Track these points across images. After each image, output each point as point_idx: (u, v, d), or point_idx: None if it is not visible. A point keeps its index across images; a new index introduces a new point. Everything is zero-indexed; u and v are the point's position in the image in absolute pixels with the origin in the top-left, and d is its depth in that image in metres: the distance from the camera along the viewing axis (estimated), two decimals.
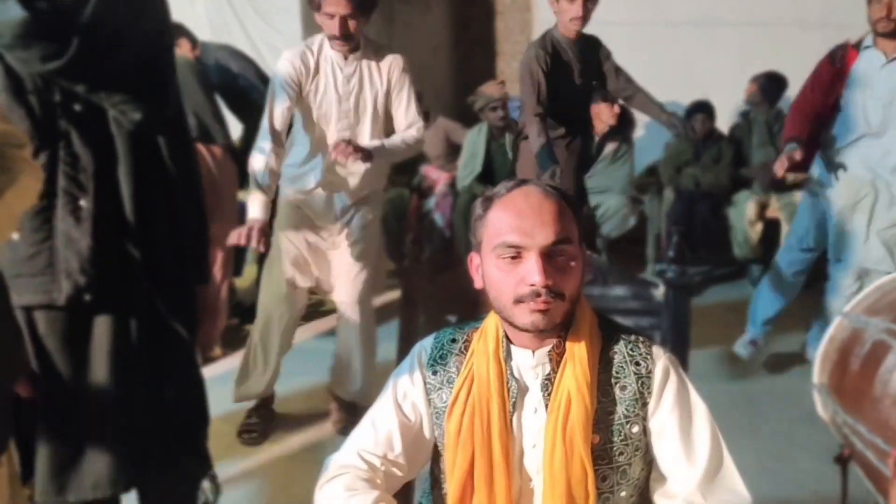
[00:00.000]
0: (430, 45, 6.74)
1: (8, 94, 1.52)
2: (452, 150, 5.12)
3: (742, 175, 4.73)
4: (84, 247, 1.56)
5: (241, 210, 3.15)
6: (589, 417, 1.19)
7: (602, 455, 1.21)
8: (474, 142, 4.66)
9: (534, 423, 1.24)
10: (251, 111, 3.30)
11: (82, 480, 1.59)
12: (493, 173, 4.52)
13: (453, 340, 1.32)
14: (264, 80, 3.65)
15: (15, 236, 1.53)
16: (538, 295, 1.16)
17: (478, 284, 1.26)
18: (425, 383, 1.30)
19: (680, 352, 1.49)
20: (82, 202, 1.56)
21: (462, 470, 1.23)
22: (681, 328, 1.44)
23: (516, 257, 1.18)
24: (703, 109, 4.75)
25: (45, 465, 1.59)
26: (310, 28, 3.16)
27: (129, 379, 1.63)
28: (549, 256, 1.18)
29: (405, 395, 1.31)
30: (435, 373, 1.30)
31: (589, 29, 2.96)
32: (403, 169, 5.35)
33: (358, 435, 1.32)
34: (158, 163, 1.66)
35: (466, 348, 1.30)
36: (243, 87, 3.78)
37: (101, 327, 1.61)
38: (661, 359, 1.25)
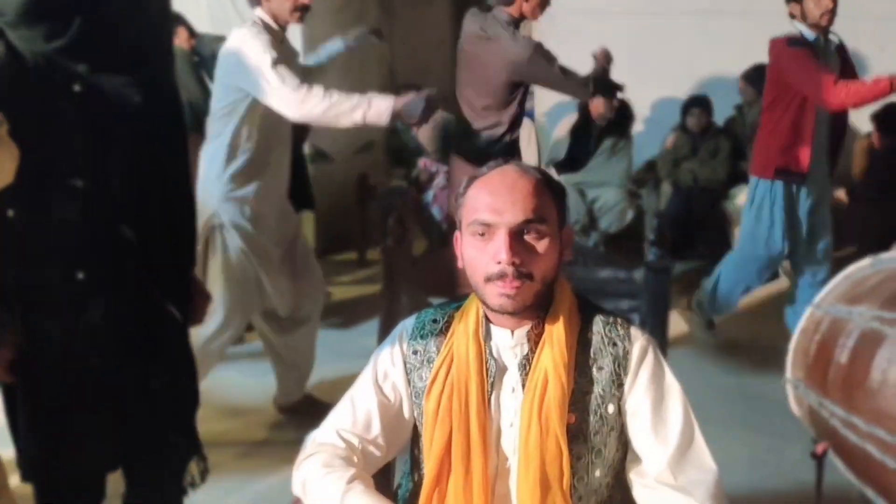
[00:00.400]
0: (431, 40, 6.74)
1: (10, 72, 1.53)
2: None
3: (740, 169, 4.72)
4: (77, 226, 1.57)
5: None
6: (565, 397, 1.20)
7: (578, 435, 1.22)
8: None
9: (511, 402, 1.25)
10: None
11: (69, 459, 1.60)
12: None
13: (434, 321, 1.33)
14: None
15: (10, 213, 1.54)
16: (505, 275, 1.17)
17: (460, 263, 1.27)
18: (405, 363, 1.31)
19: (658, 334, 1.49)
20: (76, 182, 1.57)
21: (439, 448, 1.24)
22: (659, 310, 1.45)
23: (485, 234, 1.19)
24: (699, 104, 4.74)
25: (30, 444, 1.60)
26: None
27: (121, 358, 1.64)
28: (519, 235, 1.18)
29: (385, 375, 1.32)
30: (415, 352, 1.31)
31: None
32: (402, 162, 5.36)
33: (337, 413, 1.32)
34: (152, 145, 1.67)
35: (447, 328, 1.30)
36: None
37: (94, 307, 1.61)
38: (638, 340, 1.26)
